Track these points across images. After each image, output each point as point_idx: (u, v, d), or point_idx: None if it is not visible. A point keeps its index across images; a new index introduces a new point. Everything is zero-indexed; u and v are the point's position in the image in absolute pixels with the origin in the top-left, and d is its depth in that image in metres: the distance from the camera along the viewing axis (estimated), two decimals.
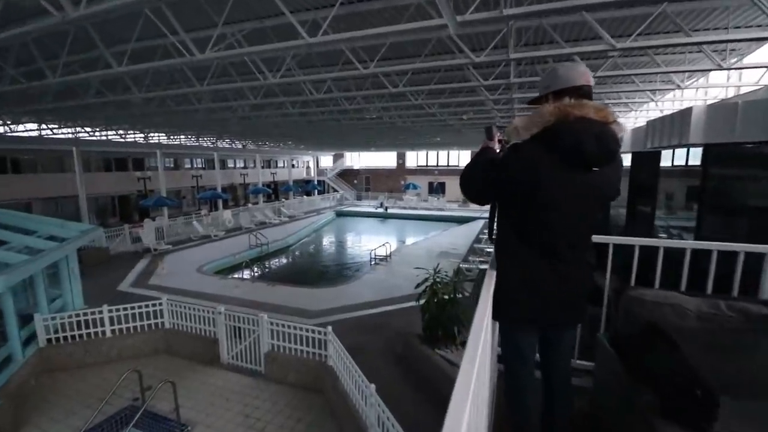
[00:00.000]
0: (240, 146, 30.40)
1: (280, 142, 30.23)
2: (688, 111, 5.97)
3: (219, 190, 27.53)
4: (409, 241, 22.04)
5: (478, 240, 18.59)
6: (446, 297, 6.68)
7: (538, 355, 1.80)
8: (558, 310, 1.57)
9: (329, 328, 6.31)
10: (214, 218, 22.41)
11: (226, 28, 6.15)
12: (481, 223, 24.99)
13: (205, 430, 5.62)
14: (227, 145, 30.00)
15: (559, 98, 1.47)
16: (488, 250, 15.03)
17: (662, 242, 2.06)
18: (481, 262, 13.47)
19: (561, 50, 6.11)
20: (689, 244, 2.04)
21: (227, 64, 8.38)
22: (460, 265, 14.02)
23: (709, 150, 5.84)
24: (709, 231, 5.54)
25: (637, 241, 2.08)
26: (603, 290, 2.23)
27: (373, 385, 4.70)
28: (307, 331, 6.51)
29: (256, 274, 15.62)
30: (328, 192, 40.42)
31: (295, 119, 14.88)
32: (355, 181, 43.71)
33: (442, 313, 6.64)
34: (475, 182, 1.63)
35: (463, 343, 7.25)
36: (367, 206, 34.81)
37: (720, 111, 5.65)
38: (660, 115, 11.38)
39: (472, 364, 1.03)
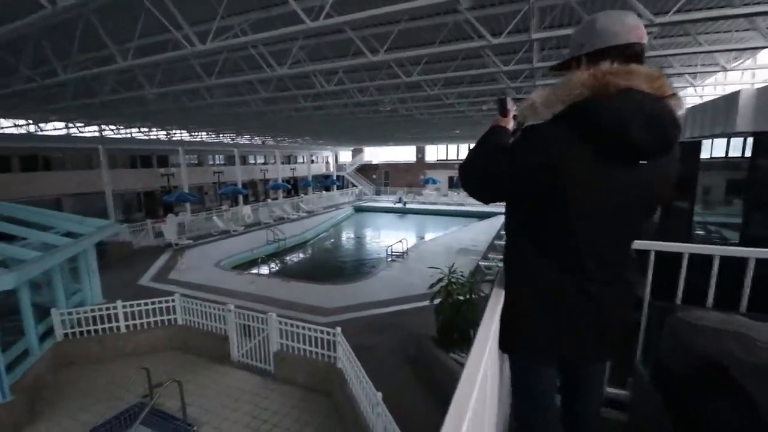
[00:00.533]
0: (259, 142, 30.60)
1: (299, 138, 30.28)
2: (734, 95, 5.35)
3: (239, 185, 27.92)
4: (428, 237, 21.62)
5: (499, 236, 17.97)
6: (461, 298, 6.31)
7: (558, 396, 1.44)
8: (586, 343, 1.21)
9: (338, 329, 6.07)
10: (233, 213, 22.66)
11: (231, 19, 5.97)
12: (502, 218, 24.26)
13: (211, 431, 5.51)
14: (247, 142, 30.27)
15: (595, 62, 1.06)
16: None
17: (719, 249, 1.65)
18: (501, 260, 12.94)
19: None
20: (755, 252, 1.61)
21: (238, 58, 8.22)
22: (480, 263, 13.60)
23: (760, 139, 5.23)
24: (758, 230, 4.99)
25: (687, 248, 1.67)
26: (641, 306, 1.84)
27: (379, 394, 4.43)
28: (315, 331, 6.30)
29: (272, 269, 15.64)
30: (347, 187, 40.33)
31: (309, 113, 14.69)
32: (374, 176, 43.43)
33: (456, 315, 6.29)
34: (476, 174, 1.24)
35: None
36: (386, 201, 34.52)
37: None
38: (700, 101, 10.50)
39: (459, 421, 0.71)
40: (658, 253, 1.74)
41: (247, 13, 5.93)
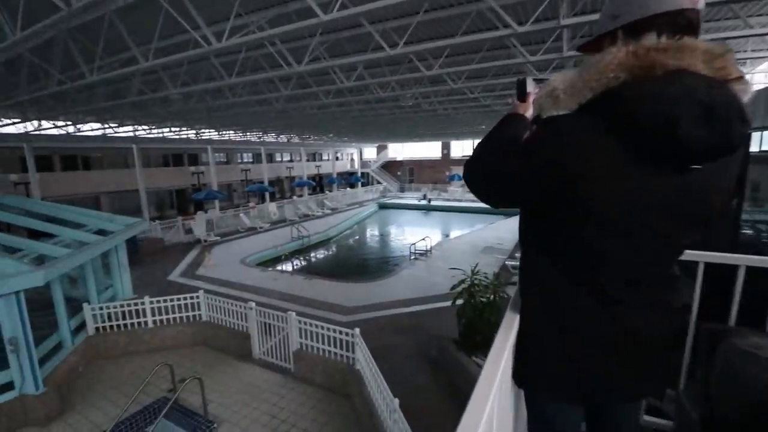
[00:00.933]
0: (285, 140, 31.02)
1: (323, 135, 30.47)
2: None
3: (266, 183, 28.47)
4: (452, 234, 21.23)
5: None
6: (483, 300, 6.05)
7: None
8: (615, 377, 0.99)
9: (357, 330, 5.96)
10: (260, 210, 23.10)
11: (248, 17, 5.94)
12: None
13: (230, 428, 5.54)
14: (273, 140, 30.78)
15: (635, 36, 0.82)
16: None
17: None
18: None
19: None
20: None
21: (259, 56, 8.24)
22: (506, 262, 13.17)
23: None
24: None
25: (746, 260, 1.40)
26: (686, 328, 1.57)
27: (396, 400, 4.27)
28: (334, 331, 6.22)
29: (295, 266, 15.80)
30: (371, 184, 40.33)
31: (331, 110, 14.66)
32: (399, 173, 43.21)
33: (479, 319, 6.03)
34: (483, 172, 1.03)
35: None
36: (411, 198, 34.25)
37: None
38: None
39: None
40: (708, 265, 1.48)
41: (265, 11, 5.88)
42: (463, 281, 6.36)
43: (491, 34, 5.83)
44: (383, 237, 22.94)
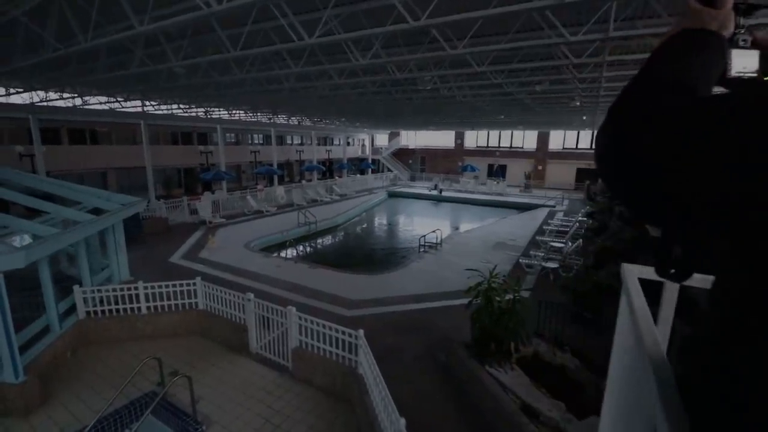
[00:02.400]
0: (295, 123, 30.39)
1: (335, 120, 29.77)
2: None
3: (275, 165, 28.01)
4: (464, 227, 20.59)
5: (541, 231, 16.69)
6: (501, 305, 5.48)
7: None
8: None
9: (361, 331, 5.46)
10: (267, 194, 22.68)
11: None
12: (545, 211, 22.69)
13: (220, 431, 5.13)
14: (284, 122, 30.16)
15: None
16: (554, 244, 13.24)
17: None
18: (545, 258, 11.83)
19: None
20: None
21: (269, 29, 7.60)
22: (520, 260, 12.55)
23: None
24: None
25: None
26: None
27: (402, 420, 3.76)
28: (336, 331, 5.73)
29: (300, 253, 15.36)
30: (382, 171, 39.62)
31: (345, 92, 13.99)
32: (411, 161, 42.38)
33: (496, 325, 5.49)
34: (616, 145, 0.51)
35: (521, 361, 6.04)
36: (421, 187, 33.52)
37: None
38: None
39: None
40: None
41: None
42: (480, 283, 5.79)
43: (526, 5, 5.09)
44: (392, 227, 22.39)
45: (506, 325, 5.50)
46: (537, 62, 9.70)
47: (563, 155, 34.80)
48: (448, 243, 15.27)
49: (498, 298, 5.52)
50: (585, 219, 18.95)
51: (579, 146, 34.48)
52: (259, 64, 10.08)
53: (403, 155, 42.62)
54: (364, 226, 21.76)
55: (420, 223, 21.01)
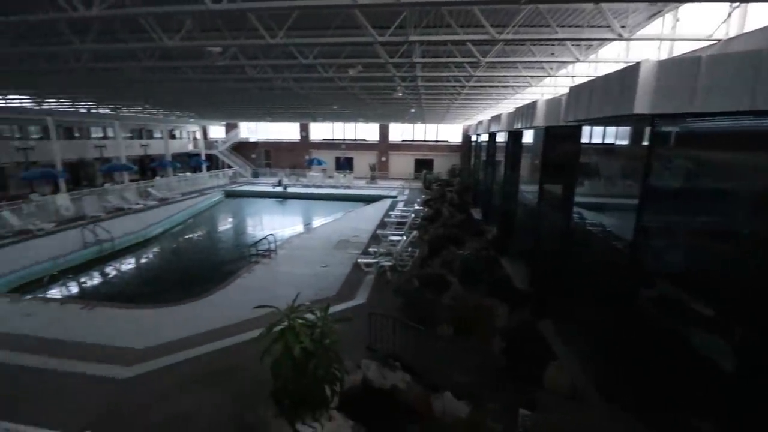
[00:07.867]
0: (84, 110, 23.72)
1: (152, 109, 24.36)
2: (633, 68, 4.31)
3: (59, 167, 21.24)
4: (307, 226, 19.29)
5: (383, 224, 16.68)
6: (306, 347, 4.25)
7: None
8: None
9: None
10: (40, 206, 16.74)
11: None
12: (388, 202, 23.23)
13: None
14: (69, 109, 23.19)
15: None
16: (393, 237, 13.10)
17: None
18: (378, 254, 11.46)
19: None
20: None
21: None
22: (359, 260, 11.93)
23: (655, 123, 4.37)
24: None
25: None
26: None
27: None
28: None
29: (78, 287, 11.45)
30: (219, 168, 34.96)
31: (159, 77, 11.32)
32: (254, 156, 38.74)
33: (302, 376, 4.26)
34: None
35: (347, 395, 4.96)
36: (265, 184, 30.78)
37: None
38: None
39: None
40: None
41: None
42: (274, 325, 4.44)
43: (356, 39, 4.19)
44: (222, 234, 19.41)
45: (315, 373, 4.32)
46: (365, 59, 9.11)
47: (402, 147, 36.94)
48: (286, 248, 13.69)
49: (302, 341, 4.27)
50: (421, 208, 19.98)
51: (415, 138, 37.12)
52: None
53: (244, 149, 38.61)
54: (188, 236, 18.20)
55: (258, 227, 18.83)
